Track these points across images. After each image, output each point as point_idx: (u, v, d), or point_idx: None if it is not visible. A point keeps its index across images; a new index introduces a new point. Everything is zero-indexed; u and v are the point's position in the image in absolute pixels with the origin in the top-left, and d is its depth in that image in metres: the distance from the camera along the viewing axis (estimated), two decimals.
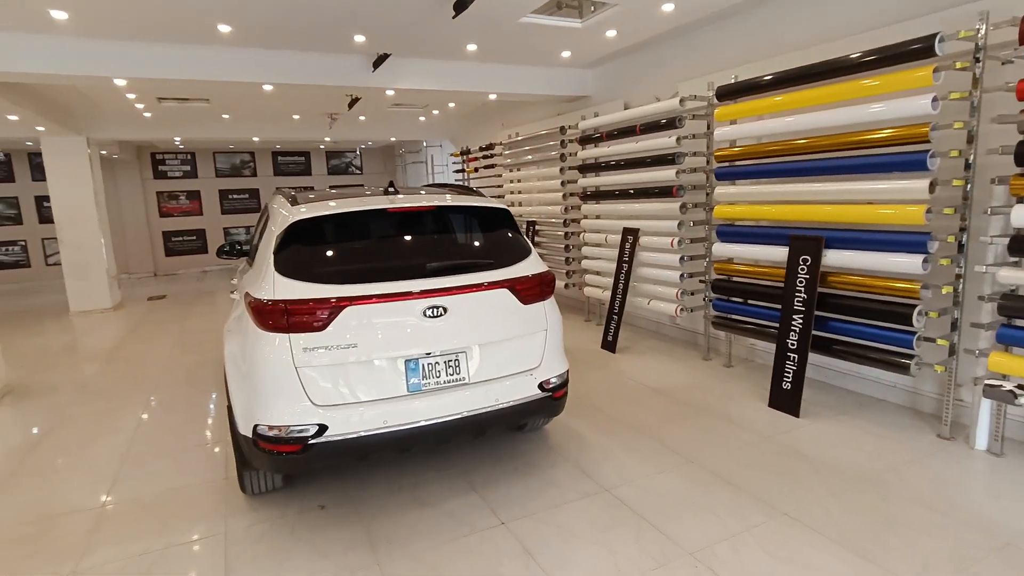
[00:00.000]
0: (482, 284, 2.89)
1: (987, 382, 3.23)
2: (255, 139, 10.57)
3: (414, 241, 3.04)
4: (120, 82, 5.39)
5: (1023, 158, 2.92)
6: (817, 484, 3.16)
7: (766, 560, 2.53)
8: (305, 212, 2.84)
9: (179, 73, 5.31)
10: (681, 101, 5.16)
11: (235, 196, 14.79)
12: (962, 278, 3.46)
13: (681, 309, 5.44)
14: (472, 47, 5.66)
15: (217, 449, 3.96)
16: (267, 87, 5.89)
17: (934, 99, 3.26)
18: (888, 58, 3.47)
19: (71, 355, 6.90)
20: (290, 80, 5.77)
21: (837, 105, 3.88)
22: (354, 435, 2.66)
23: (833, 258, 3.97)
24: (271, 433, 2.66)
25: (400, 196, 3.17)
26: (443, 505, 3.10)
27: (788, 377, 4.18)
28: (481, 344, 2.92)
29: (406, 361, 2.78)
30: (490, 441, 3.82)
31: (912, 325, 3.54)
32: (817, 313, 4.07)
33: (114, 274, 9.96)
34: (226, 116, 9.35)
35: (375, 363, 2.72)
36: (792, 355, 4.16)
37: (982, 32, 3.17)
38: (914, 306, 3.53)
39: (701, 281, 5.37)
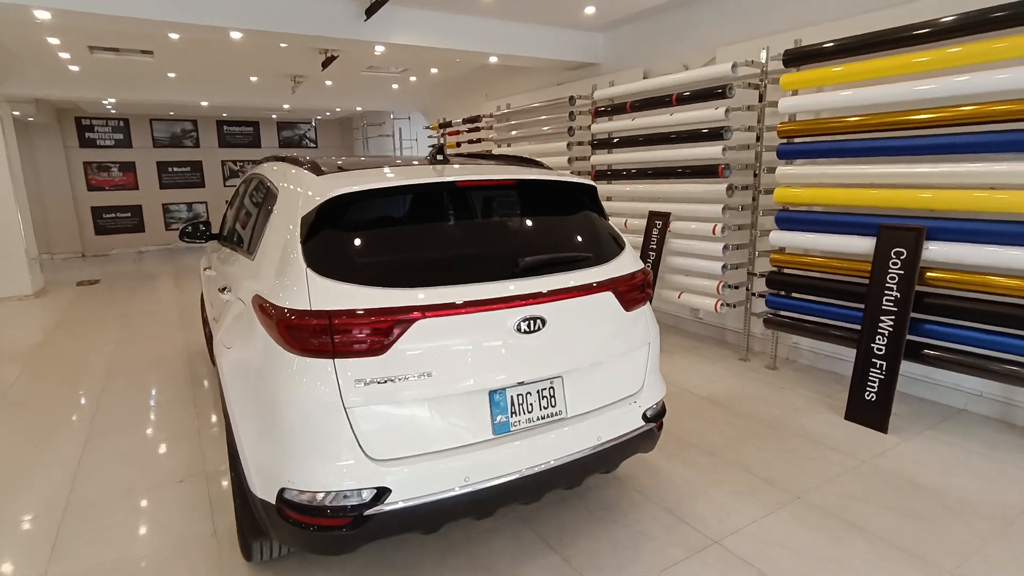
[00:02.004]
0: (588, 286, 2.15)
1: None
2: (203, 103, 9.25)
3: (495, 228, 2.25)
4: (42, 15, 4.23)
5: None
6: (958, 526, 2.63)
7: None
8: (345, 185, 2.00)
9: (123, 9, 4.21)
10: (733, 67, 4.52)
11: (176, 169, 13.23)
12: None
13: (722, 304, 4.87)
14: None
15: (193, 488, 3.07)
16: (235, 35, 4.84)
17: None
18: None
19: None
20: (265, 27, 4.75)
21: (950, 72, 3.32)
22: (426, 500, 1.89)
23: (935, 251, 3.45)
24: (304, 500, 1.85)
25: (456, 167, 2.37)
26: (518, 573, 2.38)
27: (873, 387, 3.66)
28: (582, 367, 2.20)
29: (490, 393, 2.02)
30: None
31: None
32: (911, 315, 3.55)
33: (34, 255, 8.53)
34: (172, 75, 8.04)
35: (453, 398, 1.95)
36: (878, 362, 3.65)
37: None
38: None
39: (752, 274, 4.80)
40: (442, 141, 9.58)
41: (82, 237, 12.63)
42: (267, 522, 1.98)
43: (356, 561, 2.46)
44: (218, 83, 8.75)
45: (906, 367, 4.00)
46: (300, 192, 2.15)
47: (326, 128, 15.27)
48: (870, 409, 3.65)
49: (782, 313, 4.48)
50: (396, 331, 1.84)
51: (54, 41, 6.08)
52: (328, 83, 9.04)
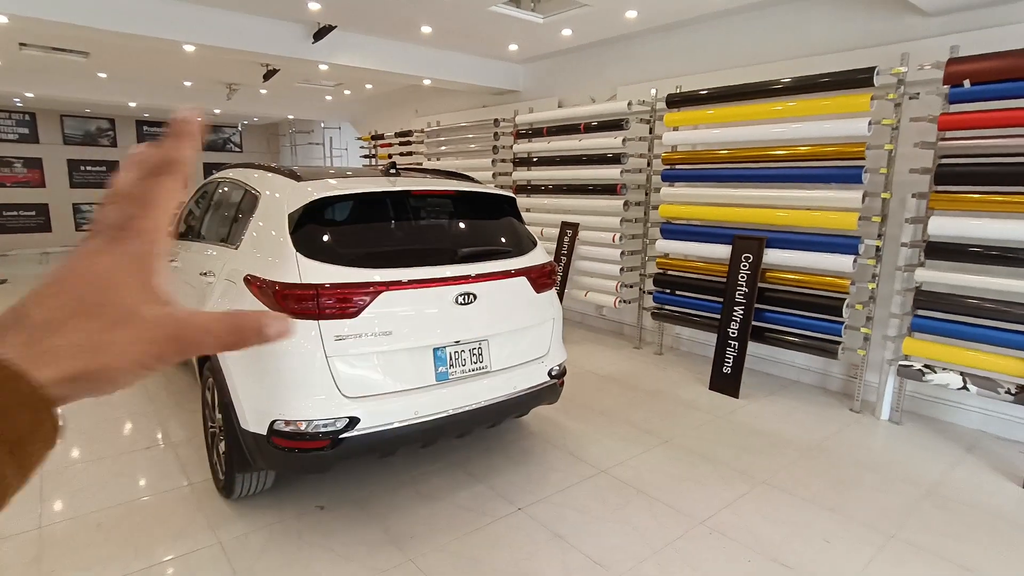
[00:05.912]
0: (508, 271, 2.89)
1: (900, 363, 3.88)
2: (131, 104, 9.24)
3: (438, 226, 2.95)
4: None
5: (943, 178, 3.55)
6: (776, 455, 3.59)
7: (764, 523, 2.86)
8: (325, 190, 2.63)
9: (85, 19, 4.53)
10: (628, 104, 5.47)
11: (90, 168, 12.80)
12: (877, 276, 4.11)
13: (620, 300, 5.79)
14: (427, 29, 5.49)
15: (158, 452, 3.50)
16: (188, 48, 5.23)
17: (869, 122, 3.84)
18: (835, 83, 4.00)
19: None
20: (218, 43, 5.18)
21: (783, 120, 4.38)
22: (386, 427, 2.54)
23: (772, 256, 4.49)
24: (290, 428, 2.45)
25: (404, 179, 3.05)
26: (453, 498, 3.06)
27: (728, 363, 4.65)
28: (502, 332, 2.93)
29: (434, 349, 2.71)
30: (476, 433, 3.80)
31: (841, 316, 4.13)
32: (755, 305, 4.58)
33: None
34: (103, 75, 8.08)
35: (407, 351, 2.61)
36: (733, 343, 4.64)
37: (906, 70, 3.79)
38: (843, 299, 4.13)
39: (643, 275, 5.74)
40: (373, 152, 10.10)
41: None
42: (257, 452, 2.55)
43: (319, 496, 3.03)
44: (150, 85, 8.82)
45: (756, 348, 5.06)
46: (284, 194, 2.75)
47: (251, 133, 15.25)
48: (727, 380, 4.64)
49: (666, 307, 5.44)
50: (366, 300, 2.49)
51: None
52: (263, 92, 9.34)
